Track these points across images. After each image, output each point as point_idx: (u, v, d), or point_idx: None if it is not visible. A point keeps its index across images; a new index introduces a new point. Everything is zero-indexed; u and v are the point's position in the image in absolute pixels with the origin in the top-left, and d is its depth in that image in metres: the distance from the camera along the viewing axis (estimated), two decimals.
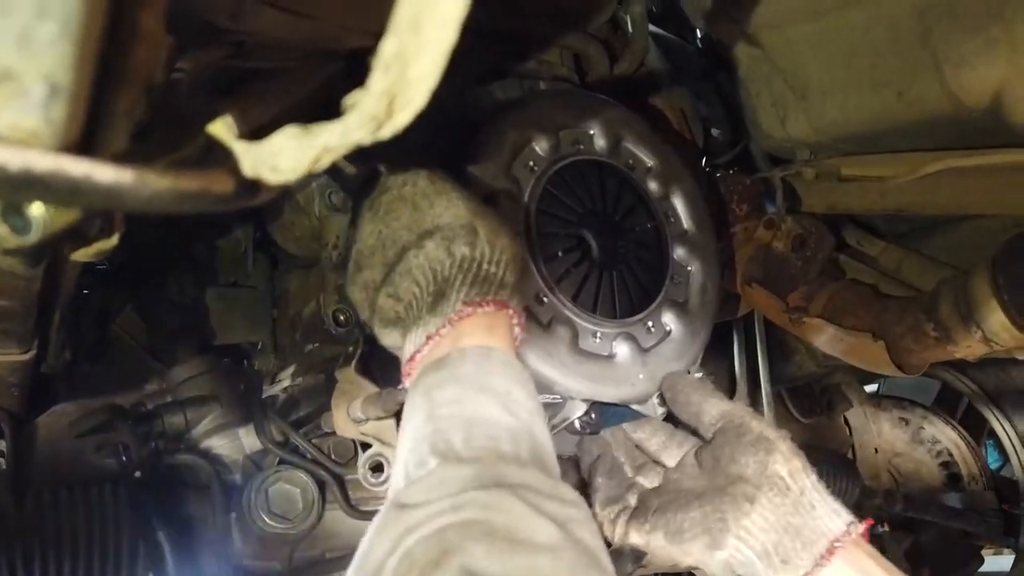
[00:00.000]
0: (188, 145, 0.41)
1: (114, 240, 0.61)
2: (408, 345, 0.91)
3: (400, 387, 1.17)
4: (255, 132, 1.23)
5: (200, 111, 0.46)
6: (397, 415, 1.30)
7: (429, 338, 0.88)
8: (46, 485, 1.23)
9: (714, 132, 2.15)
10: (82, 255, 0.64)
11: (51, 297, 0.91)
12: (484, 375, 0.84)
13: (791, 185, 1.82)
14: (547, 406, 1.38)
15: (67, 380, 1.58)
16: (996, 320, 1.26)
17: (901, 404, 2.86)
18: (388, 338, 0.97)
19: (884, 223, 1.91)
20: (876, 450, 2.67)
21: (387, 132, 0.39)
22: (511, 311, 0.93)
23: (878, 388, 3.33)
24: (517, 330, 0.98)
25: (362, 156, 0.63)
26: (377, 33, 0.39)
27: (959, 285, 1.33)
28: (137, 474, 1.19)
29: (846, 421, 2.63)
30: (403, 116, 0.38)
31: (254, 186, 0.40)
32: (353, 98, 0.39)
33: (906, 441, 2.77)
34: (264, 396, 1.58)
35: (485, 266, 0.91)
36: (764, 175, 1.83)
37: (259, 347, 1.84)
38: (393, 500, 0.71)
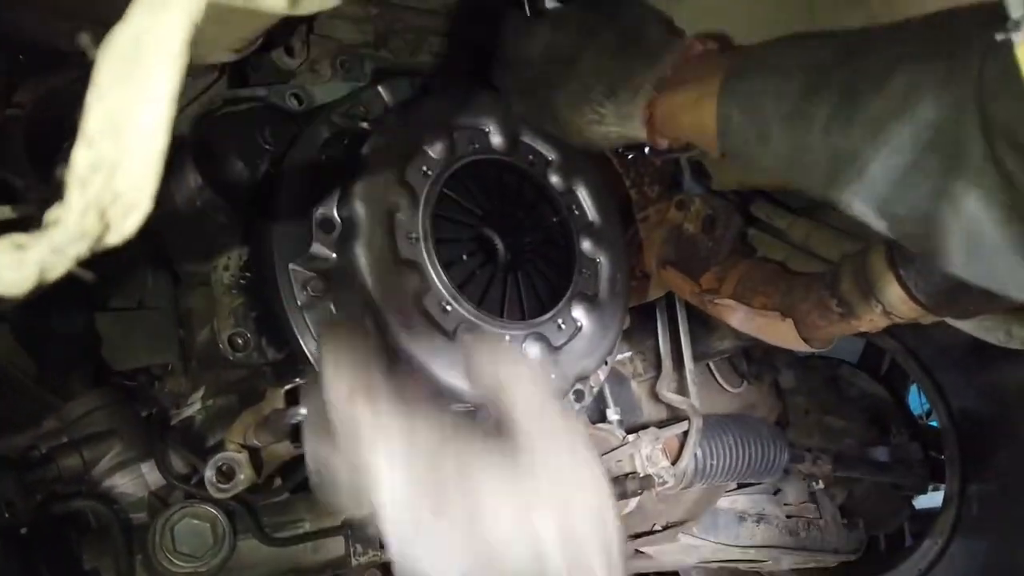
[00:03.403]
0: None
1: None
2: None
3: (291, 410, 1.13)
4: None
5: None
6: (291, 435, 1.26)
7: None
8: None
9: None
10: None
11: None
12: None
13: (700, 164, 1.81)
14: (460, 416, 1.35)
15: None
16: (894, 293, 1.28)
17: (829, 363, 2.93)
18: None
19: (794, 197, 1.92)
20: (807, 411, 2.72)
21: (115, 239, 0.35)
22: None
23: None
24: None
25: None
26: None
27: (858, 261, 1.34)
28: (23, 530, 1.12)
29: (777, 385, 2.68)
30: (128, 224, 0.34)
31: None
32: (53, 214, 0.34)
33: (835, 400, 2.84)
34: (175, 422, 1.52)
35: None
36: (673, 156, 1.82)
37: (169, 369, 1.77)
38: None
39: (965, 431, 2.50)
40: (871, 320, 1.35)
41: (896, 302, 1.29)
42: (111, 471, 1.32)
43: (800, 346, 1.48)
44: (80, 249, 0.35)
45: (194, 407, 1.55)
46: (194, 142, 1.36)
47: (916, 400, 3.27)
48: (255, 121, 1.37)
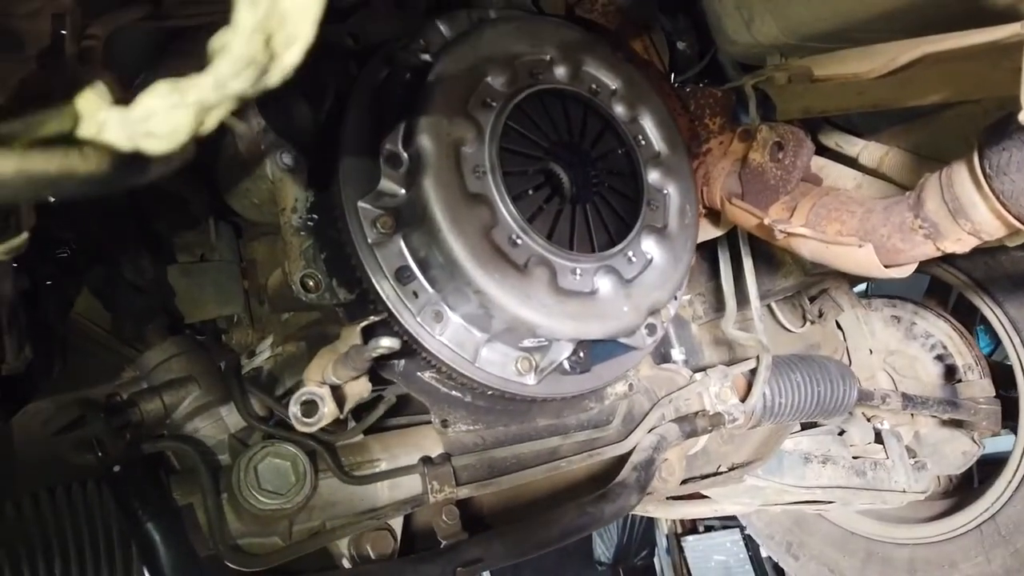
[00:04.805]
0: (58, 121, 0.35)
1: (22, 238, 0.55)
2: None
3: (372, 343, 1.13)
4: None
5: (80, 81, 0.39)
6: (370, 375, 1.26)
7: None
8: (27, 487, 1.19)
9: (680, 45, 2.06)
10: None
11: None
12: None
13: (764, 93, 1.75)
14: (532, 350, 1.34)
15: (47, 376, 1.53)
16: (984, 210, 1.22)
17: (892, 302, 2.85)
18: None
19: (863, 122, 1.85)
20: (871, 351, 2.66)
21: (276, 77, 0.33)
22: None
23: (867, 288, 3.32)
24: None
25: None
26: None
27: (944, 178, 1.28)
28: (116, 468, 1.15)
29: (838, 325, 2.62)
30: (290, 56, 0.32)
31: (138, 160, 0.35)
32: (219, 40, 0.32)
33: (899, 338, 2.77)
34: (246, 371, 1.54)
35: None
36: (735, 84, 1.76)
37: (235, 321, 1.79)
38: None
39: None
40: (959, 240, 1.29)
41: (988, 218, 1.23)
42: (191, 415, 1.34)
43: (880, 272, 1.43)
44: (243, 83, 0.33)
45: (264, 355, 1.57)
46: None
47: (982, 341, 3.18)
48: (313, 61, 1.35)
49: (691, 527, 6.32)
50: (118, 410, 1.27)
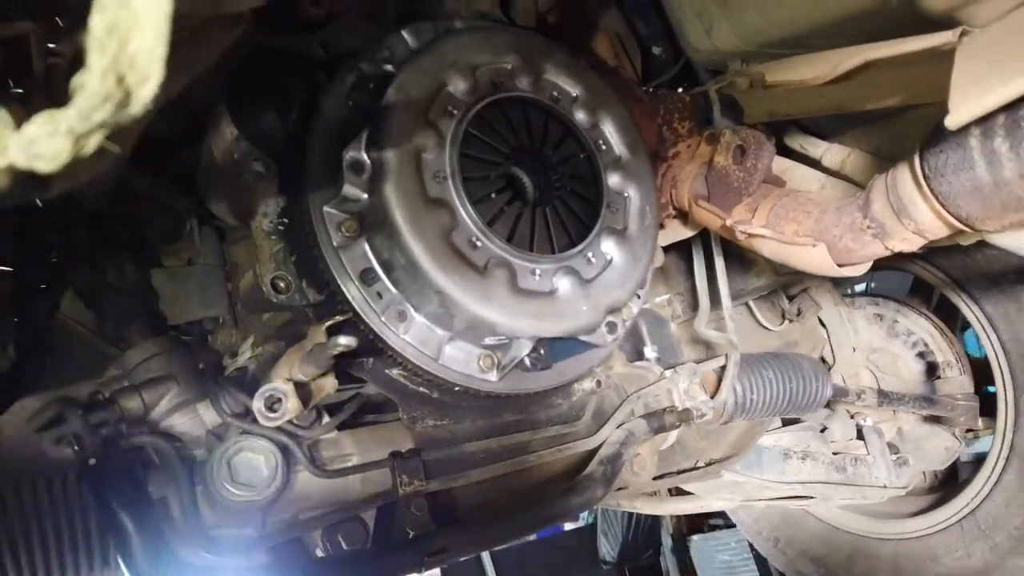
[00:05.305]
0: None
1: None
2: None
3: (331, 341, 1.18)
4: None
5: None
6: (336, 371, 1.31)
7: None
8: (12, 483, 1.26)
9: (655, 50, 2.11)
10: None
11: None
12: None
13: (732, 97, 1.79)
14: (493, 348, 1.39)
15: (36, 376, 1.60)
16: (925, 210, 1.26)
17: (875, 300, 2.88)
18: None
19: (827, 125, 1.89)
20: (854, 349, 2.69)
21: (136, 108, 0.38)
22: None
23: (866, 287, 3.35)
24: None
25: None
26: None
27: (889, 179, 1.32)
28: (91, 461, 1.21)
29: (822, 323, 2.66)
30: (145, 91, 0.37)
31: (37, 178, 0.40)
32: (78, 79, 0.38)
33: (882, 336, 2.80)
34: (230, 370, 1.60)
35: None
36: (701, 89, 1.80)
37: (220, 322, 1.85)
38: None
39: (1017, 361, 2.45)
40: (904, 240, 1.33)
41: (928, 219, 1.27)
42: (170, 412, 1.40)
43: (834, 271, 1.47)
44: (105, 115, 0.38)
45: (245, 356, 1.63)
46: (228, 96, 1.41)
47: (973, 344, 3.20)
48: (284, 72, 1.41)
49: (696, 526, 6.34)
50: (99, 407, 1.33)
